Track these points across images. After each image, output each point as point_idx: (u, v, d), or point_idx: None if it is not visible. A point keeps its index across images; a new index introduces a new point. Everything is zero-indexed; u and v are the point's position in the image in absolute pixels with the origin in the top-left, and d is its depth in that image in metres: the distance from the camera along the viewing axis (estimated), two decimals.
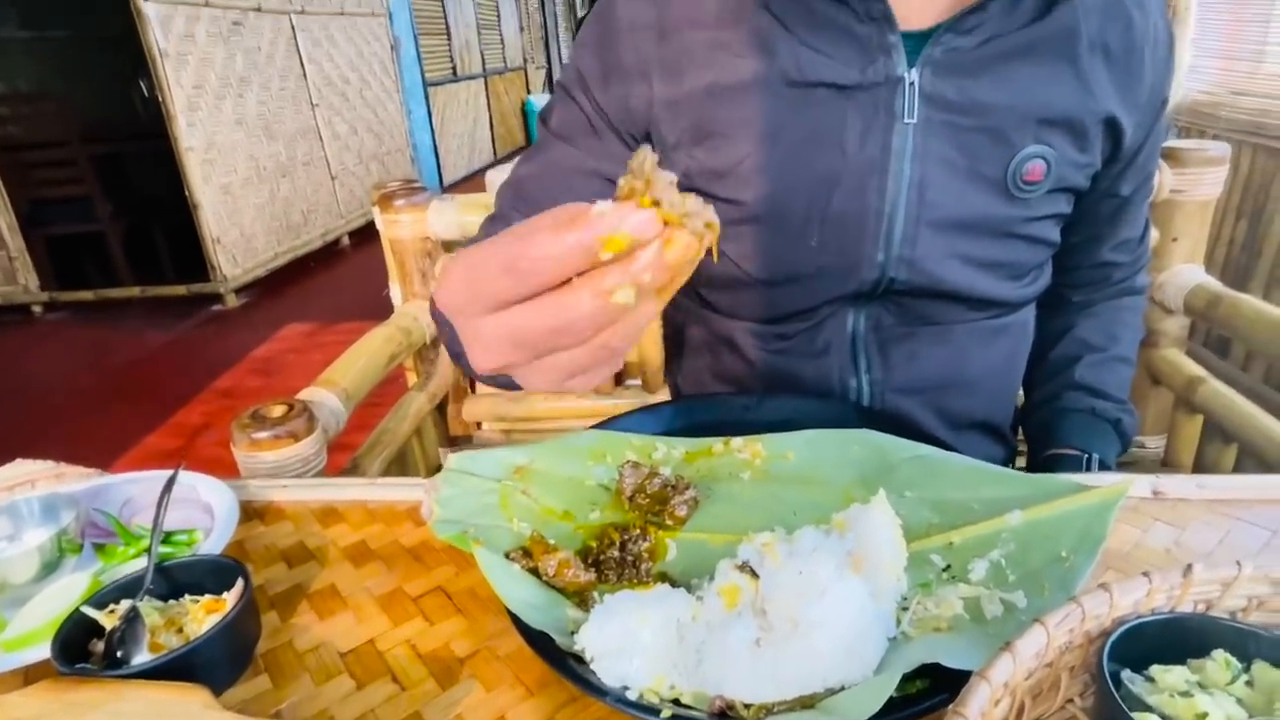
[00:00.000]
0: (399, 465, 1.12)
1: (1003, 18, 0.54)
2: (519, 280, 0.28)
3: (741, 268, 0.60)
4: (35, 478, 0.61)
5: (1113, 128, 0.59)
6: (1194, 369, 1.14)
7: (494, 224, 0.65)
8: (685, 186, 0.32)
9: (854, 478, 0.49)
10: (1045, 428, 0.73)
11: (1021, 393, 0.81)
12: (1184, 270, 1.16)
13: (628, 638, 0.36)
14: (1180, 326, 1.19)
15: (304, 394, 0.91)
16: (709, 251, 0.28)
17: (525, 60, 9.87)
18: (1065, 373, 0.74)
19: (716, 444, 0.54)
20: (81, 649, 0.38)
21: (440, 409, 1.26)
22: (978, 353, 0.65)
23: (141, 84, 5.25)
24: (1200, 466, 1.12)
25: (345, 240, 4.97)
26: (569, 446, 0.53)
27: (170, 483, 0.49)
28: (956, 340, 0.63)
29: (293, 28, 4.43)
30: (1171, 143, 1.13)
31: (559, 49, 11.90)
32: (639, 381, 1.16)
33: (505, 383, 0.53)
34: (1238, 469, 1.04)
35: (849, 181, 0.57)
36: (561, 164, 0.62)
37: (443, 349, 1.19)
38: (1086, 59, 0.56)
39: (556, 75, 11.55)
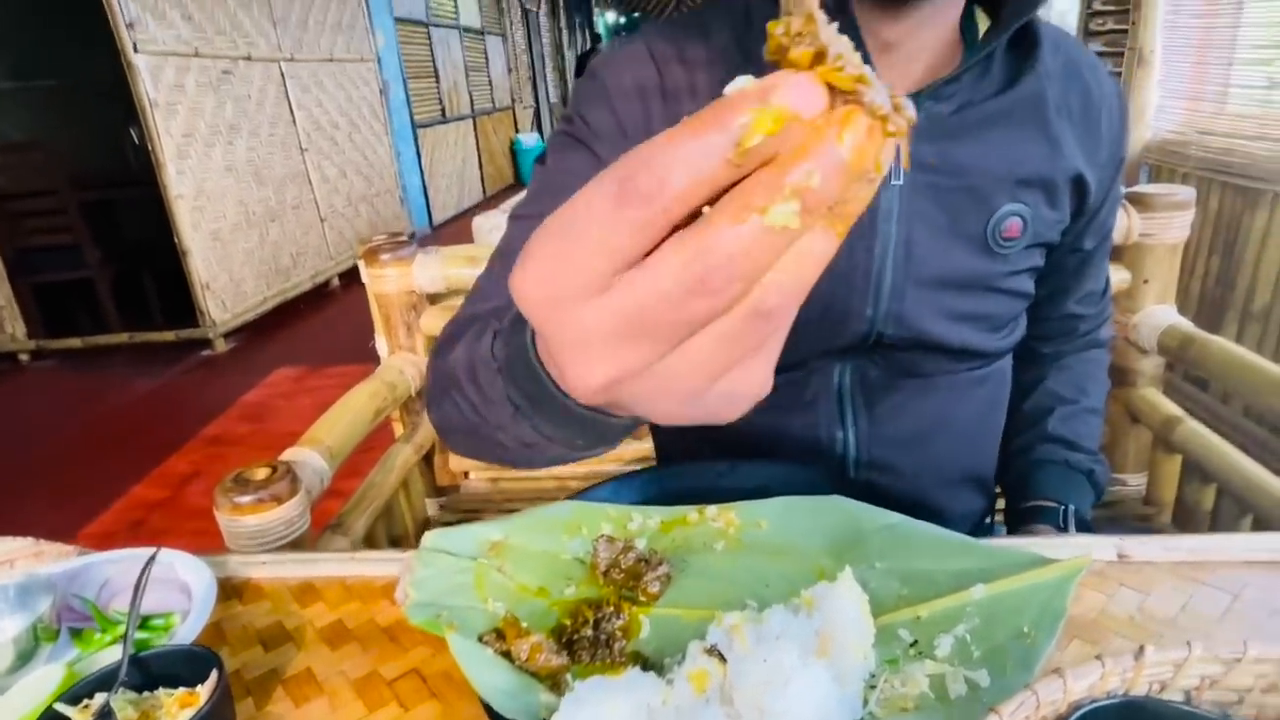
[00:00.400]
0: (385, 519, 1.12)
1: (974, 86, 0.58)
2: (639, 209, 0.19)
3: None
4: (14, 557, 0.61)
5: (1079, 185, 0.63)
6: (1171, 408, 1.16)
7: (503, 261, 0.60)
8: None
9: (825, 547, 0.49)
10: (1022, 479, 0.74)
11: None
12: (1157, 311, 1.18)
13: None
14: (1156, 366, 1.21)
15: (287, 454, 0.91)
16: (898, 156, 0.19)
17: (513, 100, 10.01)
18: (1039, 425, 0.76)
19: (691, 513, 0.54)
20: None
21: (427, 459, 1.26)
22: (960, 403, 0.67)
23: (132, 132, 5.30)
24: (1180, 504, 1.13)
25: (335, 281, 4.99)
26: (545, 519, 0.53)
27: (148, 565, 0.49)
28: (940, 392, 0.65)
29: (282, 75, 4.49)
30: (1140, 187, 1.17)
31: (546, 89, 12.08)
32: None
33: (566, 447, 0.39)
34: (1216, 507, 1.05)
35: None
36: None
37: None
38: (1055, 122, 0.60)
39: (544, 115, 11.71)
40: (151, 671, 0.42)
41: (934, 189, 0.58)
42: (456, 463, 1.29)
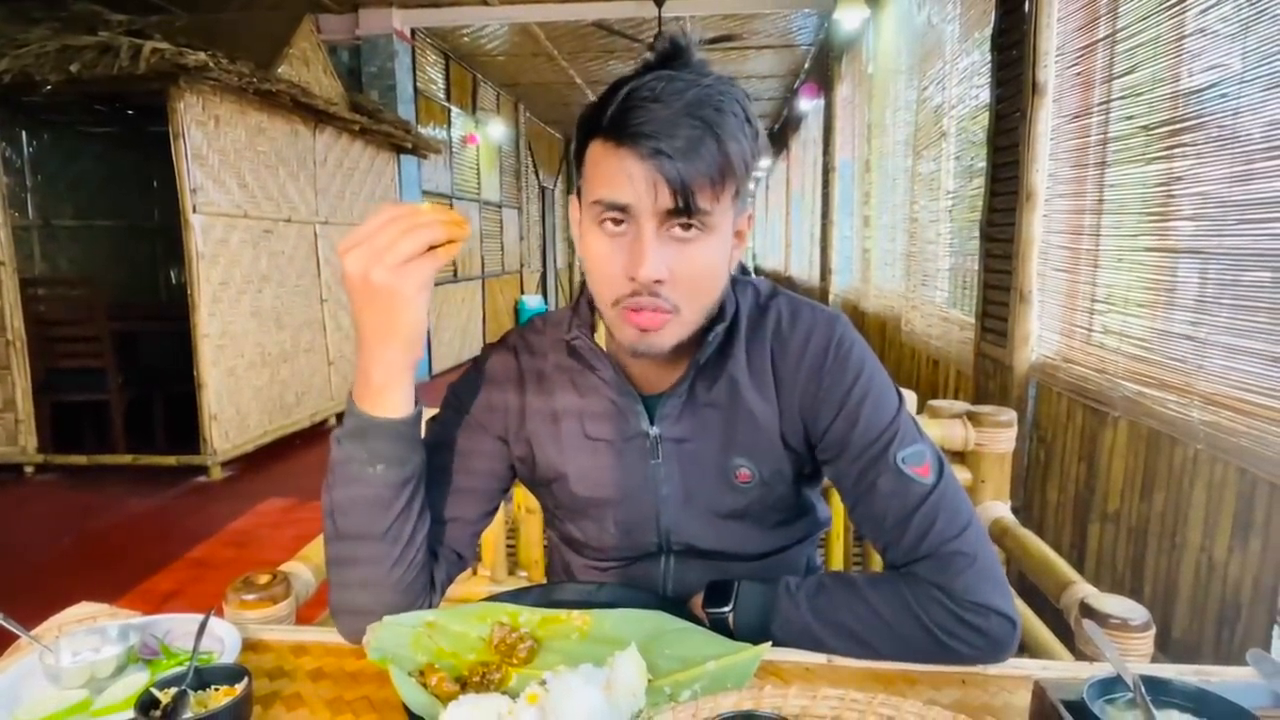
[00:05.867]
0: None
1: (695, 386, 0.87)
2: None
3: (580, 532, 0.94)
4: (96, 615, 0.88)
5: (784, 440, 0.86)
6: None
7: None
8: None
9: (639, 639, 0.77)
10: None
11: None
12: (991, 506, 1.48)
13: None
14: (996, 552, 1.49)
15: (285, 566, 1.17)
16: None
17: (522, 265, 10.79)
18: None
19: (562, 614, 0.82)
20: (147, 713, 0.65)
21: None
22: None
23: (170, 271, 5.82)
24: None
25: (332, 420, 5.29)
26: (464, 611, 0.81)
27: (205, 622, 0.77)
28: (732, 575, 0.88)
29: (315, 235, 5.04)
30: (973, 407, 1.50)
31: (555, 255, 13.01)
32: (526, 574, 1.46)
33: None
34: None
35: (628, 497, 0.90)
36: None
37: None
38: (753, 401, 0.85)
39: (550, 279, 12.53)
40: (205, 678, 0.69)
41: (685, 456, 0.88)
42: None
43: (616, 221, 0.74)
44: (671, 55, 0.74)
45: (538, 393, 0.91)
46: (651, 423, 0.88)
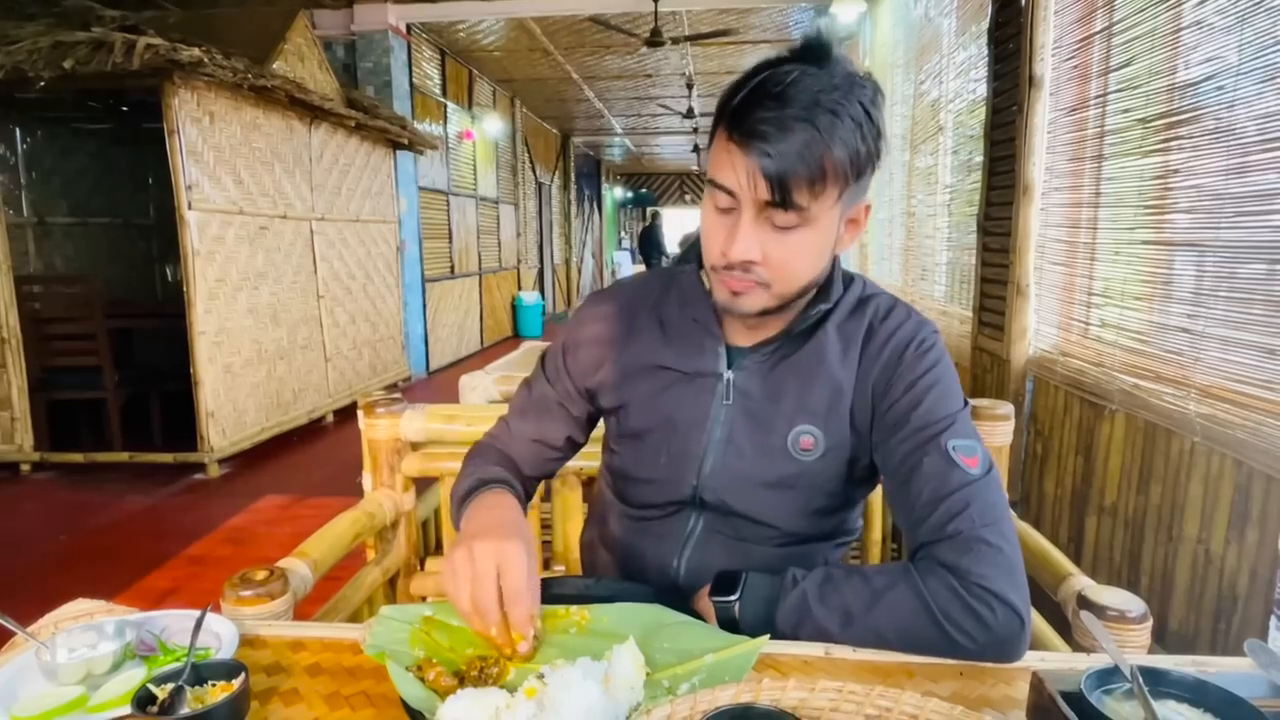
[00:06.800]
0: None
1: (783, 346, 0.90)
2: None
3: (627, 464, 0.97)
4: (92, 611, 0.88)
5: (861, 400, 0.87)
6: None
7: (520, 416, 1.04)
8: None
9: (637, 633, 0.77)
10: None
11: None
12: None
13: (466, 714, 0.63)
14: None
15: (282, 562, 1.17)
16: None
17: (519, 261, 10.77)
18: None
19: (561, 609, 0.82)
20: (144, 708, 0.64)
21: (391, 582, 1.50)
22: (759, 563, 0.92)
23: (167, 268, 5.81)
24: None
25: (329, 418, 5.28)
26: None
27: (204, 613, 0.76)
28: (746, 554, 0.92)
29: (311, 232, 5.03)
30: (970, 400, 1.50)
31: (551, 252, 12.98)
32: (563, 567, 1.46)
33: None
34: None
35: (682, 431, 0.92)
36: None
37: (402, 531, 1.48)
38: (837, 369, 0.88)
39: (547, 275, 12.51)
40: (202, 674, 0.69)
41: (750, 409, 0.90)
42: (417, 587, 1.52)
43: (725, 202, 0.81)
44: (811, 49, 0.78)
45: (629, 332, 0.97)
46: (729, 368, 0.92)
